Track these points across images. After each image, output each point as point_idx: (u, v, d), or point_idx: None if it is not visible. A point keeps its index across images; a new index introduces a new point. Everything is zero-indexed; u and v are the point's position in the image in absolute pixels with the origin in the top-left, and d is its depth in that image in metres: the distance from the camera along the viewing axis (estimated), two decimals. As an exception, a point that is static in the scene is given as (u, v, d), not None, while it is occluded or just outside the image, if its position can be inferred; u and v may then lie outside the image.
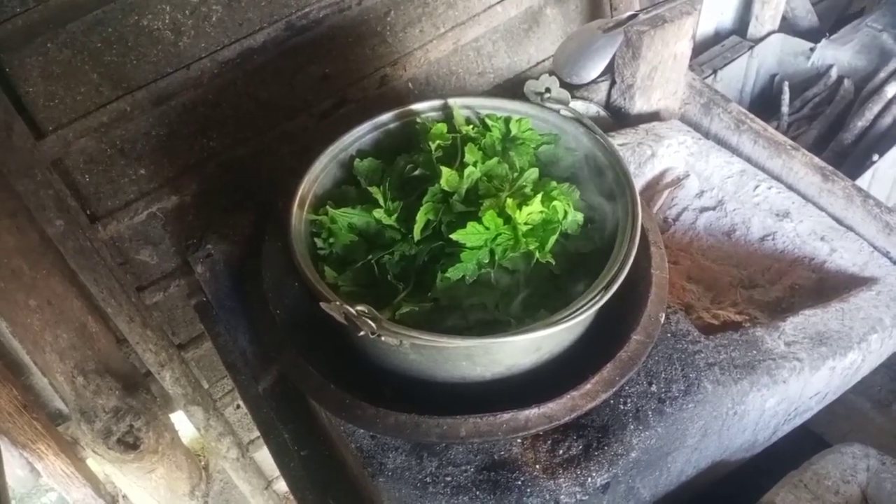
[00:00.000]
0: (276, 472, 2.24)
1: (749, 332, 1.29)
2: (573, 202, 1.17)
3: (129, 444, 1.81)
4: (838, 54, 2.64)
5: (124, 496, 2.28)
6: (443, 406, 1.06)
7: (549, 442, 1.13)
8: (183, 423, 2.13)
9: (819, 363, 1.27)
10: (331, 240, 1.19)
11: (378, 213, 1.18)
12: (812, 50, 2.68)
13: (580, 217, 1.17)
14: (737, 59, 2.65)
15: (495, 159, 1.21)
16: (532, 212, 1.11)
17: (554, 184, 1.18)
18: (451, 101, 1.33)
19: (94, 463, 2.16)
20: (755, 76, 2.77)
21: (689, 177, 1.70)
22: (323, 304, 0.98)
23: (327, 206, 1.19)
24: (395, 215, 1.18)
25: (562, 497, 1.09)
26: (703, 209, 1.66)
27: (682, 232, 1.64)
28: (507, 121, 1.30)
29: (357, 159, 1.28)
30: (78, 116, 1.38)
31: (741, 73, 2.72)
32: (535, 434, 1.12)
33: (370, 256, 1.16)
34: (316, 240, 1.19)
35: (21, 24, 1.24)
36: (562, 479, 1.09)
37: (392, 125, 1.34)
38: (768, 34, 2.70)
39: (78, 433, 1.87)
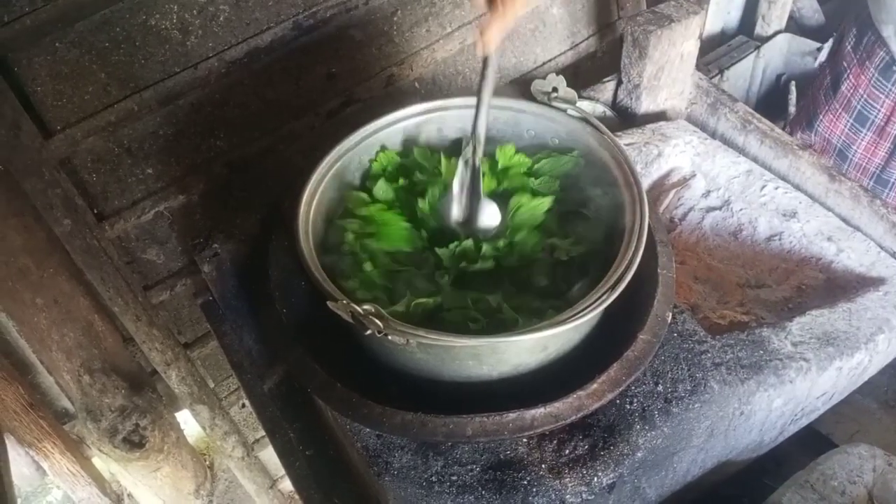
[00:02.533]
0: (281, 472, 2.24)
1: (756, 332, 1.29)
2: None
3: (134, 443, 1.81)
4: (845, 54, 2.64)
5: (129, 495, 2.29)
6: (449, 405, 1.06)
7: (555, 441, 1.13)
8: (188, 422, 2.13)
9: (826, 363, 1.27)
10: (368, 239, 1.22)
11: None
12: (819, 50, 2.66)
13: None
14: (743, 59, 2.64)
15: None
16: None
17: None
18: (461, 102, 1.34)
19: (100, 461, 2.16)
20: (762, 76, 2.77)
21: (695, 177, 1.70)
22: (329, 304, 0.98)
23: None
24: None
25: (567, 497, 1.08)
26: (710, 209, 1.65)
27: (689, 232, 1.64)
28: (491, 157, 1.32)
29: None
30: (86, 116, 1.39)
31: (748, 73, 2.71)
32: (542, 433, 1.12)
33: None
34: (347, 233, 1.22)
35: (29, 24, 1.24)
36: (567, 479, 1.09)
37: (399, 124, 1.34)
38: (775, 34, 2.69)
39: (84, 432, 1.87)
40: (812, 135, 2.00)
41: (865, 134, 1.85)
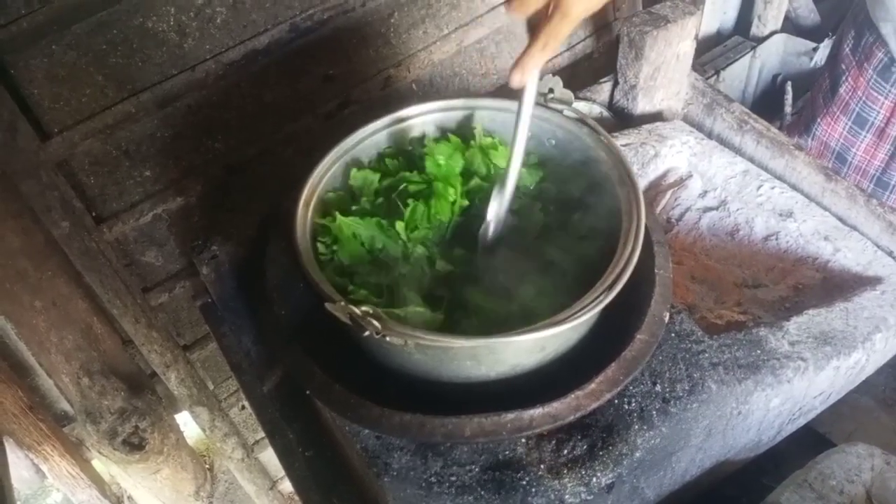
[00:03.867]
0: (281, 473, 2.25)
1: (753, 331, 1.29)
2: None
3: (134, 445, 1.81)
4: (841, 54, 2.64)
5: (129, 497, 2.29)
6: (448, 406, 1.06)
7: (554, 441, 1.13)
8: (188, 424, 2.13)
9: (823, 363, 1.27)
10: (335, 246, 1.19)
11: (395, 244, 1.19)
12: (815, 50, 2.68)
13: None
14: (739, 59, 2.65)
15: None
16: None
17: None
18: (459, 103, 1.34)
19: (100, 464, 2.17)
20: (758, 76, 2.77)
21: (692, 177, 1.70)
22: (327, 305, 0.98)
23: (336, 213, 1.19)
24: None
25: (566, 497, 1.09)
26: (707, 209, 1.66)
27: (686, 232, 1.64)
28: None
29: (354, 169, 1.27)
30: (83, 118, 1.39)
31: (744, 74, 2.72)
32: (540, 434, 1.12)
33: (375, 279, 1.17)
34: (319, 244, 1.19)
35: (26, 26, 1.24)
36: (566, 479, 1.09)
37: (396, 126, 1.34)
38: (771, 34, 2.70)
39: (83, 434, 1.88)
40: (809, 139, 2.01)
41: (865, 136, 1.85)
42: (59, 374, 1.72)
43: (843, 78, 1.86)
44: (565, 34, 0.98)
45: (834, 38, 2.09)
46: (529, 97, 1.08)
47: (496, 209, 1.17)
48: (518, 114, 1.10)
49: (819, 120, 1.96)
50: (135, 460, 1.83)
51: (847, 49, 1.86)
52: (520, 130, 1.11)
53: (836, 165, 1.95)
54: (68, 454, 1.98)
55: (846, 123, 1.88)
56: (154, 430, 1.83)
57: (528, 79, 1.04)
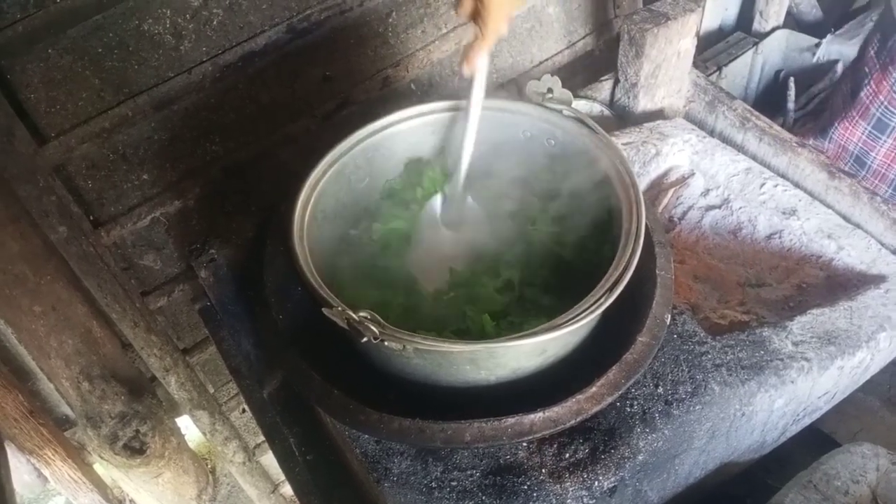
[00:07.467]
0: (283, 476, 2.24)
1: (756, 332, 1.28)
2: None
3: (135, 449, 1.81)
4: (844, 49, 2.62)
5: (131, 501, 2.28)
6: (448, 410, 1.05)
7: (555, 446, 1.12)
8: (189, 428, 2.13)
9: (827, 363, 1.26)
10: None
11: None
12: (817, 45, 2.66)
13: None
14: (741, 56, 2.63)
15: None
16: None
17: None
18: (456, 104, 1.33)
19: (101, 468, 2.16)
20: (760, 72, 2.75)
21: (694, 175, 1.69)
22: (325, 310, 0.97)
23: None
24: None
25: (568, 501, 1.08)
26: (709, 208, 1.65)
27: (688, 231, 1.63)
28: None
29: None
30: (80, 122, 1.38)
31: (746, 70, 2.70)
32: (541, 438, 1.11)
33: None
34: None
35: (22, 31, 1.24)
36: (568, 483, 1.08)
37: (394, 127, 1.33)
38: (773, 30, 2.68)
39: (84, 438, 1.87)
40: (826, 142, 1.99)
41: (885, 141, 1.83)
42: (60, 379, 1.72)
43: (866, 81, 1.84)
44: (493, 26, 1.11)
45: (838, 33, 2.07)
46: (479, 83, 1.20)
47: (452, 189, 1.30)
48: (469, 98, 1.22)
49: (837, 124, 1.94)
50: (136, 464, 1.83)
51: (872, 52, 1.84)
52: (472, 113, 1.22)
53: (853, 168, 1.93)
54: (70, 458, 1.97)
55: (865, 128, 1.86)
56: (155, 433, 1.83)
57: (475, 68, 1.17)
